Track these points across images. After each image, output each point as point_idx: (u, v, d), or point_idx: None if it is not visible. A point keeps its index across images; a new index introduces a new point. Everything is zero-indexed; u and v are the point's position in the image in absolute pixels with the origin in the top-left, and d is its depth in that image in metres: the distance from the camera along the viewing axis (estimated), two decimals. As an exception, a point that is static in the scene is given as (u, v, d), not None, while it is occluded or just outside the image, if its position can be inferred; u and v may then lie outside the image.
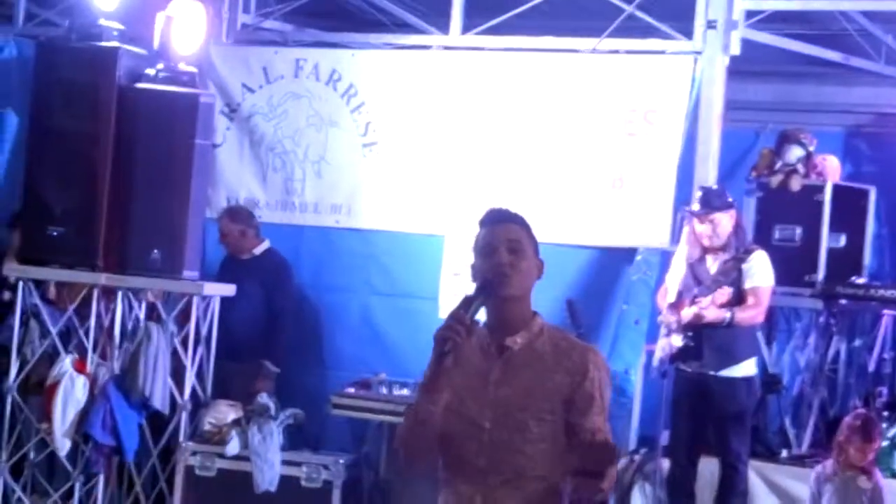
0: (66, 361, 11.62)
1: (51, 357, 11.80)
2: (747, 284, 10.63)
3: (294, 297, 12.66)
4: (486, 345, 5.74)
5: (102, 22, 11.97)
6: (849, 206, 12.27)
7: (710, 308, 10.53)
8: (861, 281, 12.11)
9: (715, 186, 11.18)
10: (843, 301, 12.08)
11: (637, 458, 11.52)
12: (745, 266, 10.65)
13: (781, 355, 12.14)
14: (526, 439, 5.68)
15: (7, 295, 12.33)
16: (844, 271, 12.15)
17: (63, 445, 11.56)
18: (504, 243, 5.69)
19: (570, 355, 5.74)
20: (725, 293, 10.54)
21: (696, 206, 10.79)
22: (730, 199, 10.85)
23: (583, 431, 5.65)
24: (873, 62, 13.24)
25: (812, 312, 12.23)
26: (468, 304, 5.58)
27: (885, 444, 10.98)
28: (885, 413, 11.35)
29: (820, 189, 12.16)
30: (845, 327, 12.21)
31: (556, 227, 12.01)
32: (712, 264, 10.71)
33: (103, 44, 11.85)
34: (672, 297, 10.80)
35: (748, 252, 10.74)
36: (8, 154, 13.80)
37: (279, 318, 12.40)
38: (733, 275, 10.62)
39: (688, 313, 10.59)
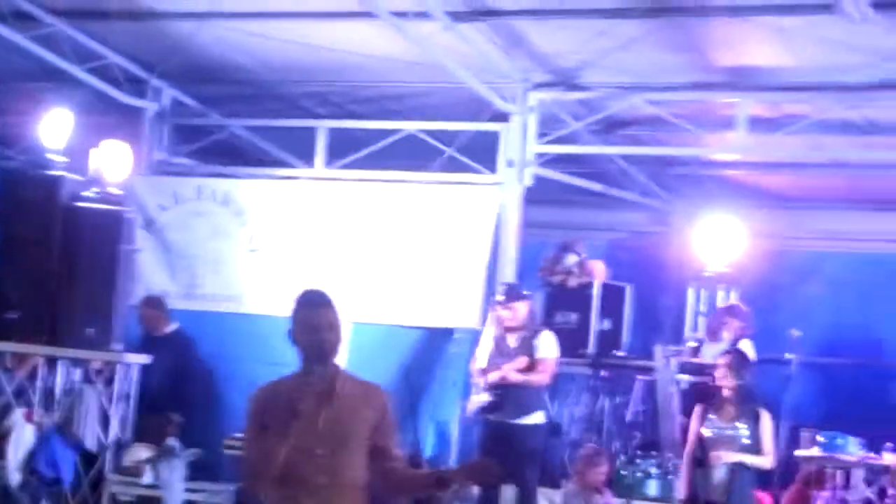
0: (18, 413, 11.45)
1: (5, 410, 11.60)
2: (538, 355, 10.61)
3: (196, 365, 12.52)
4: (307, 391, 5.77)
5: (51, 156, 11.90)
6: (611, 298, 12.45)
7: (511, 372, 10.56)
8: (621, 354, 12.28)
9: (514, 282, 11.25)
10: (607, 369, 12.24)
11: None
12: (536, 342, 10.65)
13: (562, 409, 12.22)
14: (351, 458, 5.78)
15: None
16: (608, 347, 12.31)
17: (14, 478, 11.36)
18: (325, 324, 5.80)
19: (372, 394, 5.89)
20: (522, 361, 10.55)
21: (500, 297, 10.83)
22: (525, 292, 10.90)
23: (393, 457, 5.85)
24: (630, 192, 13.46)
25: (585, 377, 12.33)
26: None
27: (639, 474, 11.06)
28: (639, 451, 11.43)
29: (590, 286, 12.35)
30: (609, 388, 12.31)
31: (395, 312, 12.09)
32: (512, 340, 10.70)
33: (51, 172, 11.76)
34: (482, 365, 10.82)
35: (538, 331, 10.77)
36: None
37: (184, 380, 12.28)
38: (528, 348, 10.66)
39: (494, 376, 10.56)
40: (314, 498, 5.74)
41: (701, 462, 9.71)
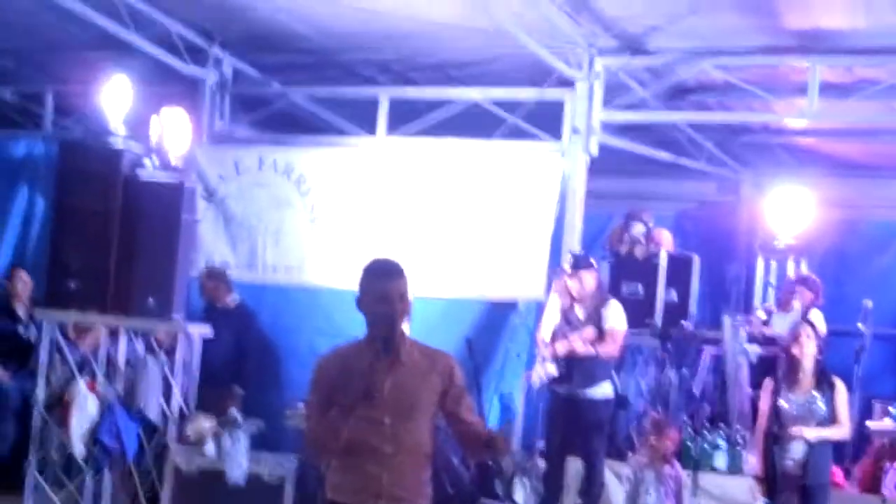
0: (81, 383, 11.39)
1: (68, 380, 11.55)
2: (607, 326, 10.42)
3: (257, 337, 12.47)
4: (374, 361, 5.69)
5: (111, 126, 11.82)
6: (678, 269, 12.18)
7: (579, 344, 10.40)
8: (688, 325, 12.04)
9: (582, 252, 11.04)
10: (674, 340, 12.01)
11: (518, 458, 11.35)
12: (604, 312, 10.47)
13: (628, 381, 11.97)
14: (416, 426, 5.75)
15: (21, 329, 12.29)
16: (675, 318, 12.04)
17: (78, 448, 11.32)
18: (397, 296, 5.72)
19: (438, 360, 5.85)
20: (591, 332, 10.39)
21: (567, 267, 10.66)
22: (593, 262, 10.73)
23: (465, 421, 5.84)
24: (697, 161, 13.25)
25: (651, 348, 12.11)
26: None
27: (706, 446, 10.88)
28: (707, 423, 11.24)
29: (657, 256, 12.09)
30: (676, 360, 12.06)
31: (458, 284, 11.94)
32: (579, 310, 10.51)
33: (111, 143, 11.68)
34: (548, 336, 10.65)
35: (607, 301, 10.58)
36: (38, 227, 13.65)
37: (246, 352, 12.23)
38: (595, 318, 10.47)
39: (562, 347, 10.42)
40: (379, 466, 5.69)
41: (777, 437, 9.42)
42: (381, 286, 5.75)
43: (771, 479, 9.29)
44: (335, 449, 5.72)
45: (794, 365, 9.41)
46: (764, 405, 9.54)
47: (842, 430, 9.40)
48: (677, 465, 10.21)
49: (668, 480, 9.95)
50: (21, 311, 12.44)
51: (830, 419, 9.34)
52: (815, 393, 9.36)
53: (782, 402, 9.38)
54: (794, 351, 9.40)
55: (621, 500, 10.78)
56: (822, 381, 9.41)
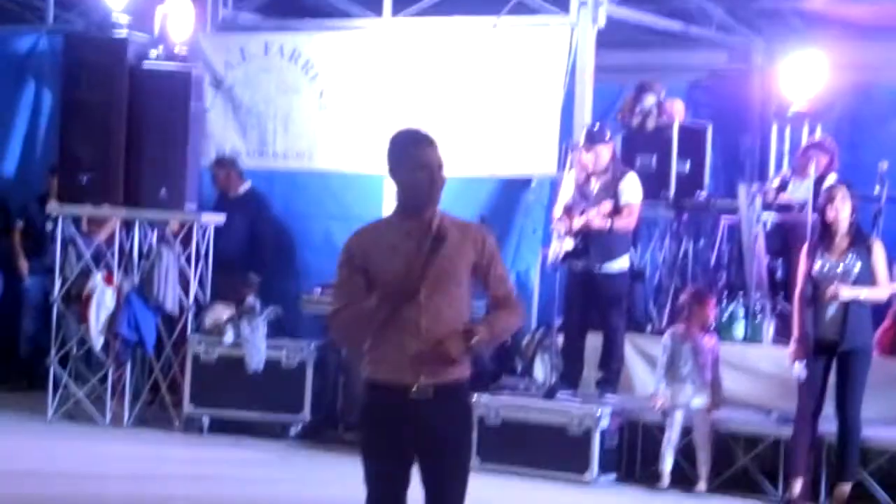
0: (98, 277, 11.37)
1: (85, 275, 11.48)
2: (623, 199, 10.26)
3: (271, 224, 12.37)
4: (408, 233, 5.52)
5: (114, 16, 11.63)
6: (691, 139, 11.92)
7: (596, 218, 10.24)
8: (703, 195, 11.85)
9: (596, 125, 10.82)
10: (690, 211, 11.84)
11: (537, 335, 11.25)
12: (621, 185, 10.28)
13: (644, 254, 11.81)
14: (451, 299, 5.56)
15: (49, 226, 12.16)
16: (689, 189, 11.84)
17: (98, 342, 11.31)
18: (436, 162, 5.52)
19: (469, 230, 5.65)
20: (607, 206, 10.23)
21: (582, 141, 10.48)
22: (608, 135, 10.53)
23: (495, 283, 5.68)
24: (707, 30, 12.99)
25: (666, 220, 11.91)
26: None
27: (725, 318, 10.76)
28: (725, 293, 11.10)
29: (669, 127, 11.80)
30: (692, 231, 11.90)
31: (472, 162, 11.74)
32: (595, 184, 10.34)
33: (116, 34, 11.52)
34: (561, 211, 10.50)
35: (623, 174, 10.40)
36: (46, 122, 13.49)
37: (260, 239, 12.15)
38: (612, 192, 10.29)
39: (579, 222, 10.24)
40: (417, 340, 5.51)
41: (812, 300, 9.23)
42: (420, 153, 5.52)
43: (807, 344, 9.13)
44: (365, 336, 5.58)
45: (828, 227, 9.21)
46: (800, 268, 9.34)
47: (881, 291, 9.22)
48: (714, 335, 10.07)
49: (705, 351, 9.84)
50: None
51: (867, 280, 9.16)
52: (850, 254, 9.17)
53: (817, 265, 9.20)
54: (829, 213, 9.17)
55: (641, 373, 10.73)
56: (858, 241, 9.22)
